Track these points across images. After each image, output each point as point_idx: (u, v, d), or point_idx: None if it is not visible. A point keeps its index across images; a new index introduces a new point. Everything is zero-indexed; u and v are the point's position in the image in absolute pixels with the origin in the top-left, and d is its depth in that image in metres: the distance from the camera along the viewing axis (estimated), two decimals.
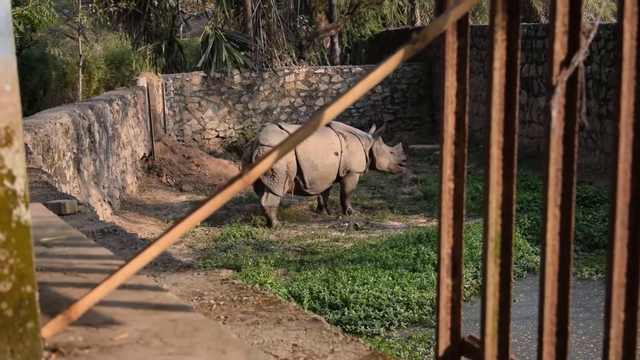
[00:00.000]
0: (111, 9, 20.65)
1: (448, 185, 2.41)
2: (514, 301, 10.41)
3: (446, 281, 2.45)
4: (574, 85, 2.07)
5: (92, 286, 2.12)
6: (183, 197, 18.12)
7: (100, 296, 2.04)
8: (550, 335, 2.18)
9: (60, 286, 2.52)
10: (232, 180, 2.05)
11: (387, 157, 16.64)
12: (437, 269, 2.45)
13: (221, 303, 4.11)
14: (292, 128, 15.87)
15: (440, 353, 2.47)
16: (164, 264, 5.23)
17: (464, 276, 11.63)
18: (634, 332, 2.02)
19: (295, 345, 3.50)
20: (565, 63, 2.08)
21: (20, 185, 1.83)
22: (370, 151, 16.38)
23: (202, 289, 4.39)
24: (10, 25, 1.83)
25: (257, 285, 4.68)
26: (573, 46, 2.08)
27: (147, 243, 5.43)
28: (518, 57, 2.21)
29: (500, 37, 2.20)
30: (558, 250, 2.15)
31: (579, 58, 2.05)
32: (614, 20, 22.27)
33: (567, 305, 2.14)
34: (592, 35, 2.09)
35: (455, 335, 2.48)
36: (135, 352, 1.96)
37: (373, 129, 17.55)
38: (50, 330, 2.04)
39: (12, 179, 1.82)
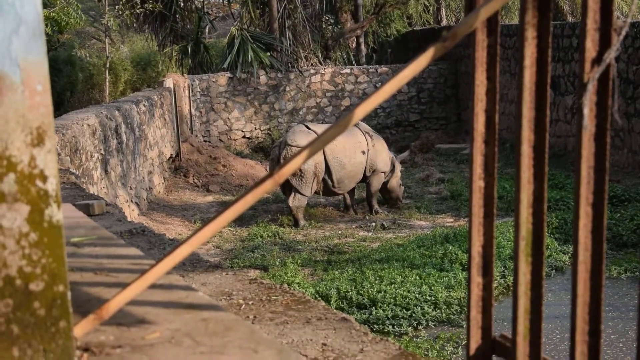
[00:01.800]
0: (137, 11, 20.76)
1: (478, 184, 2.40)
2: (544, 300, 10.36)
3: (477, 280, 2.44)
4: (606, 82, 2.06)
5: (123, 286, 2.13)
6: (210, 198, 18.16)
7: (131, 296, 2.04)
8: (583, 334, 2.17)
9: (91, 286, 2.52)
10: (262, 180, 2.05)
11: (398, 183, 16.66)
12: (468, 267, 2.44)
13: (250, 303, 4.12)
14: (319, 128, 15.87)
15: (472, 352, 2.46)
16: (193, 264, 5.24)
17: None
18: None
19: (324, 344, 3.50)
20: (597, 60, 2.07)
21: (52, 186, 1.84)
22: (392, 168, 16.40)
23: (231, 288, 4.40)
24: (42, 26, 1.84)
25: (285, 285, 4.67)
26: (604, 43, 2.07)
27: (175, 243, 5.45)
28: (549, 54, 2.20)
29: (530, 35, 2.18)
30: (590, 248, 2.14)
31: (611, 55, 2.04)
32: None
33: (600, 303, 2.13)
34: (623, 32, 2.07)
35: (487, 334, 2.47)
36: (166, 351, 1.96)
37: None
38: (81, 329, 2.05)
39: (44, 179, 1.83)
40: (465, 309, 10.50)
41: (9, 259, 1.81)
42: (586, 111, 2.05)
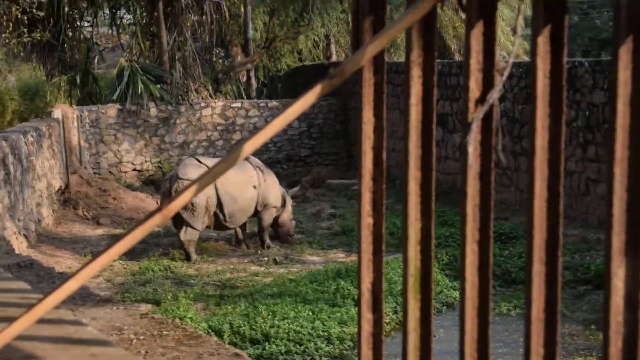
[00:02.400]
0: (25, 40, 20.37)
1: (367, 221, 2.42)
2: (434, 336, 10.47)
3: (367, 316, 2.46)
4: (490, 122, 2.11)
5: (11, 320, 2.08)
6: (100, 231, 17.87)
7: (18, 330, 1.99)
8: None
9: None
10: (151, 214, 2.03)
11: (289, 218, 16.70)
12: (358, 303, 2.45)
13: (141, 337, 4.06)
14: (210, 161, 15.82)
15: None
16: (83, 297, 5.15)
17: (384, 311, 11.66)
18: None
19: None
20: (481, 100, 2.11)
21: None
22: (283, 203, 16.41)
23: (122, 323, 4.33)
24: None
25: (177, 320, 4.63)
26: (488, 83, 2.12)
27: (64, 277, 5.33)
28: (434, 93, 2.24)
29: (416, 74, 2.22)
30: (477, 285, 2.17)
31: (494, 95, 2.09)
32: (526, 59, 22.79)
33: (487, 340, 2.17)
34: (506, 73, 2.13)
35: None
36: None
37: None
38: None
39: None
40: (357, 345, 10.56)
41: None
42: (471, 150, 2.10)
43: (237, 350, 4.15)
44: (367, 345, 2.48)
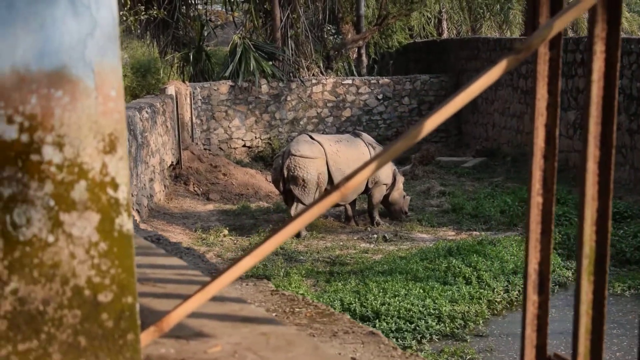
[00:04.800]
0: (142, 17, 20.68)
1: (536, 200, 2.36)
2: None
3: (532, 297, 2.40)
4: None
5: (171, 297, 2.08)
6: (210, 206, 18.08)
7: (193, 308, 1.99)
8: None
9: (140, 296, 2.47)
10: (328, 192, 2.01)
11: (400, 196, 16.53)
12: (524, 285, 2.39)
13: (274, 315, 4.05)
14: (322, 138, 15.83)
15: None
16: (211, 273, 5.16)
17: (495, 290, 11.55)
18: None
19: (353, 359, 3.43)
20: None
21: (123, 194, 1.79)
22: (393, 180, 16.28)
23: (253, 299, 4.33)
24: (118, 30, 1.79)
25: (308, 297, 4.61)
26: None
27: (191, 252, 5.38)
28: (617, 69, 2.16)
29: (599, 49, 2.15)
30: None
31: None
32: None
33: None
34: None
35: (541, 353, 2.42)
36: None
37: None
38: (141, 341, 1.99)
39: (115, 187, 1.78)
40: (470, 324, 10.43)
41: (78, 268, 1.76)
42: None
43: (372, 329, 4.10)
44: (532, 327, 2.42)
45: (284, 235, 2.01)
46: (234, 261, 2.00)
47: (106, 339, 1.80)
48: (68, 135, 1.72)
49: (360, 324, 4.20)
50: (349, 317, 4.10)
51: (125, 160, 1.79)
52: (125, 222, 1.80)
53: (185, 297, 2.11)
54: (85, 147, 1.75)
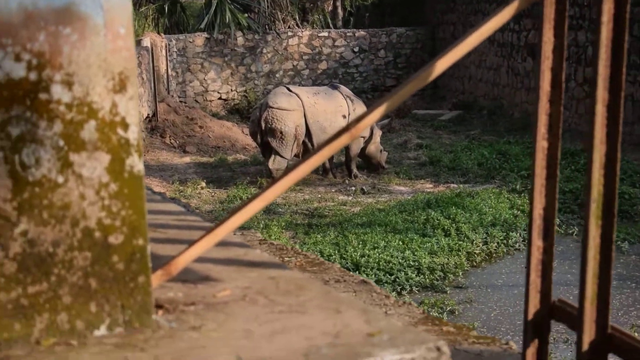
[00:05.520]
0: None
1: (542, 144, 2.34)
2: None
3: (537, 243, 2.38)
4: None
5: (173, 242, 2.05)
6: (187, 159, 18.02)
7: (200, 252, 1.97)
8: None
9: None
10: (339, 134, 1.98)
11: (377, 149, 16.50)
12: (529, 230, 2.38)
13: None
14: (299, 90, 15.76)
15: (530, 316, 2.41)
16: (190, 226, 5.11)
17: (474, 242, 11.59)
18: None
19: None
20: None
21: (133, 134, 1.75)
22: (370, 134, 16.21)
23: None
24: None
25: (296, 246, 4.59)
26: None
27: (177, 202, 5.35)
28: (627, 10, 2.13)
29: None
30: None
31: None
32: None
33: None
34: None
35: (546, 299, 2.42)
36: (243, 309, 1.88)
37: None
38: None
39: (126, 127, 1.74)
40: (450, 275, 10.48)
41: (88, 210, 1.72)
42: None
43: (364, 278, 4.09)
44: (536, 272, 2.41)
45: (296, 176, 1.98)
46: (243, 204, 1.97)
47: (117, 281, 1.77)
48: (77, 73, 1.68)
49: (351, 273, 4.19)
50: (339, 266, 4.09)
51: (135, 99, 1.75)
52: (136, 163, 1.76)
53: (187, 242, 2.08)
54: (94, 86, 1.70)
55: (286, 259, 4.26)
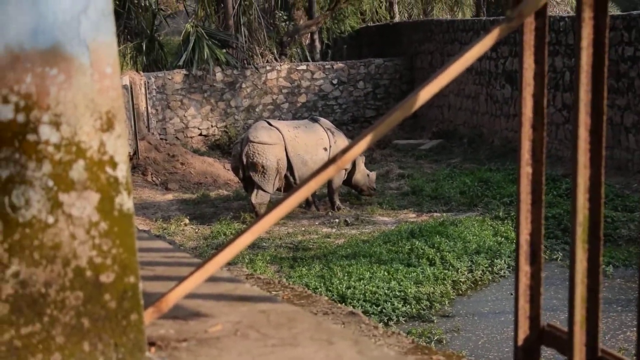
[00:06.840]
0: None
1: (526, 170, 2.36)
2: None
3: (525, 268, 2.40)
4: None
5: (161, 279, 2.05)
6: (169, 196, 17.98)
7: (191, 287, 1.97)
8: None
9: None
10: (325, 165, 1.99)
11: (364, 176, 16.55)
12: (516, 255, 2.39)
13: None
14: (280, 124, 15.82)
15: (520, 342, 2.42)
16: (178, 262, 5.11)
17: (459, 270, 11.60)
18: None
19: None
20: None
21: (122, 172, 1.76)
22: (353, 163, 16.23)
23: None
24: (112, 6, 1.76)
25: (283, 280, 4.59)
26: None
27: (162, 239, 5.35)
28: (606, 35, 2.17)
29: (587, 15, 2.15)
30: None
31: None
32: None
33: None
34: None
35: (535, 324, 2.43)
36: (235, 344, 1.89)
37: None
38: None
39: (114, 165, 1.75)
40: (436, 304, 10.47)
41: (79, 249, 1.73)
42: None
43: (352, 309, 4.09)
44: (525, 298, 2.42)
45: (285, 208, 1.99)
46: (232, 238, 1.98)
47: (109, 320, 1.77)
48: (64, 114, 1.69)
49: (340, 305, 4.19)
50: (327, 298, 4.09)
51: (123, 138, 1.76)
52: (125, 201, 1.77)
53: (176, 279, 2.08)
54: (82, 126, 1.71)
55: (273, 292, 4.25)
